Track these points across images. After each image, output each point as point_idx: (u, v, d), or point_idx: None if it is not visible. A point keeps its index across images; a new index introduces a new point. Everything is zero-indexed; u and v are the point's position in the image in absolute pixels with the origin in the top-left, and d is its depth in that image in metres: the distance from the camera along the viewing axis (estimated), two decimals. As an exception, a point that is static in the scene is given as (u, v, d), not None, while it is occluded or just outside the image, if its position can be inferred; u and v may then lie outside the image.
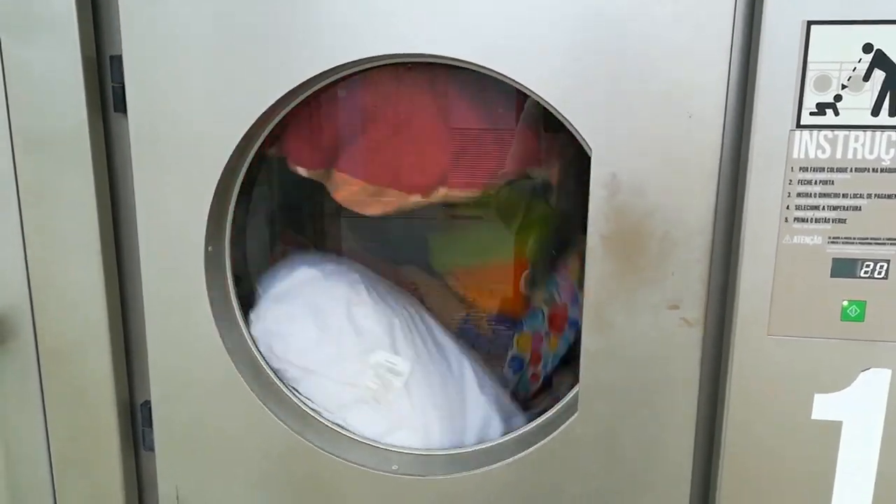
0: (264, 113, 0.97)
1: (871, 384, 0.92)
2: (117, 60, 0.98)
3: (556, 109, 0.91)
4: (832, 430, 0.94)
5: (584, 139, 0.91)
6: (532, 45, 0.89)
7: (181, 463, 1.11)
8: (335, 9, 0.92)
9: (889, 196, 0.86)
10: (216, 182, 0.99)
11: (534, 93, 0.91)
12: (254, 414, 1.07)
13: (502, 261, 1.44)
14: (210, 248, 1.03)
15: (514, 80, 0.91)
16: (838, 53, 0.83)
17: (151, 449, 1.12)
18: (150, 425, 1.10)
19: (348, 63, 0.93)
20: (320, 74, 0.94)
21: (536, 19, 0.89)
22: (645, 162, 0.91)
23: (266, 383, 1.12)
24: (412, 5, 0.91)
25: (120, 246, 1.07)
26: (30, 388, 1.09)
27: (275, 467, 1.09)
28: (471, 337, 1.46)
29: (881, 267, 0.88)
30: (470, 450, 1.11)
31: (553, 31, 0.89)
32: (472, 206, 1.27)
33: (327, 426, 1.13)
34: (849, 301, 0.90)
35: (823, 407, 0.93)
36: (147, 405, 1.10)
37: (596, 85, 0.89)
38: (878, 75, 0.83)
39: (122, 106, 1.00)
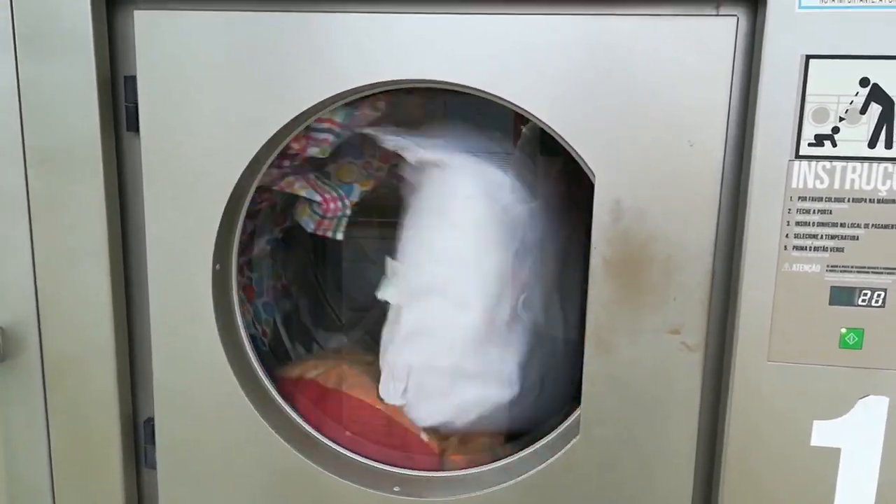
0: (275, 134, 0.98)
1: (869, 411, 0.93)
2: (131, 80, 1.00)
3: (560, 136, 0.93)
4: (831, 456, 0.95)
5: (587, 166, 0.93)
6: (538, 73, 0.92)
7: (183, 481, 1.11)
8: (346, 34, 0.94)
9: (886, 226, 0.88)
10: (225, 201, 1.01)
11: (539, 119, 0.93)
12: (257, 433, 1.07)
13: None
14: (218, 267, 1.04)
15: (519, 107, 0.93)
16: (836, 87, 0.85)
17: (153, 466, 1.12)
18: (153, 442, 1.10)
19: (358, 87, 0.96)
20: (331, 98, 0.96)
21: (542, 48, 0.91)
22: (648, 188, 0.92)
23: (269, 403, 1.12)
24: (422, 32, 0.93)
25: (128, 263, 1.08)
26: (34, 401, 1.09)
27: (277, 487, 1.09)
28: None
29: (878, 295, 0.90)
30: (471, 472, 1.11)
31: (559, 59, 0.91)
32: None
33: (330, 446, 1.13)
34: (847, 329, 0.91)
35: (822, 434, 0.94)
36: (150, 422, 1.11)
37: (600, 113, 0.91)
38: (875, 108, 0.85)
39: (134, 125, 1.01)
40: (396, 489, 1.08)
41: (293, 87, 0.96)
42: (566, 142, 0.93)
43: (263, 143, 0.98)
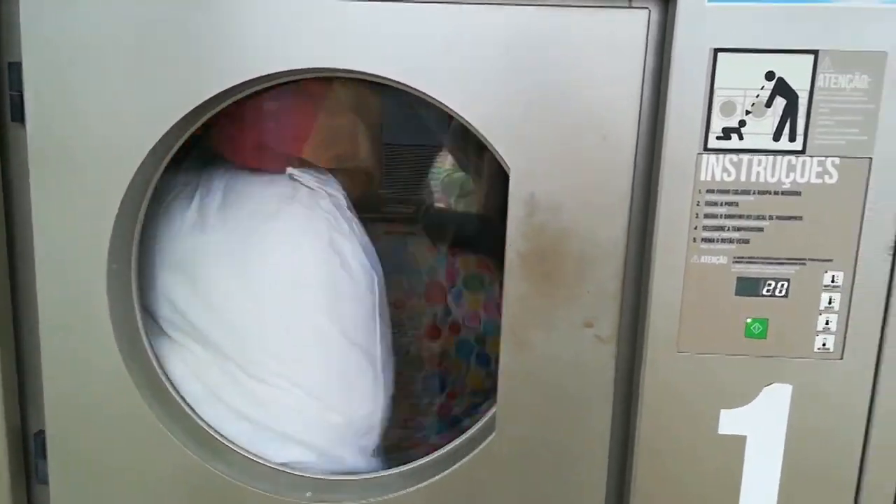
0: (176, 124, 0.93)
1: (773, 399, 0.95)
2: (16, 67, 0.94)
3: (476, 129, 0.92)
4: (737, 444, 0.97)
5: (503, 159, 0.92)
6: (452, 64, 0.90)
7: (78, 496, 1.05)
8: (256, 21, 0.90)
9: (789, 217, 0.90)
10: (121, 196, 0.95)
11: (455, 113, 0.91)
12: (159, 442, 1.02)
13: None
14: (114, 266, 0.98)
15: (436, 100, 0.91)
16: (743, 80, 0.87)
17: (45, 482, 1.05)
18: (44, 456, 1.04)
19: (267, 75, 0.92)
20: (237, 86, 0.92)
21: (459, 41, 0.90)
22: (562, 182, 0.92)
23: (172, 410, 1.07)
24: (336, 22, 0.90)
25: (14, 263, 1.01)
26: None
27: (182, 499, 1.04)
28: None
29: (782, 286, 0.92)
30: (385, 474, 1.09)
31: (475, 53, 0.90)
32: (405, 223, 1.26)
33: (238, 454, 1.09)
34: (752, 319, 0.93)
35: (729, 421, 0.96)
36: (41, 435, 1.04)
37: (515, 106, 0.91)
38: (780, 102, 0.87)
39: (20, 115, 0.95)
40: (308, 494, 1.05)
41: (195, 74, 0.92)
42: (481, 135, 0.92)
43: (162, 134, 0.93)
